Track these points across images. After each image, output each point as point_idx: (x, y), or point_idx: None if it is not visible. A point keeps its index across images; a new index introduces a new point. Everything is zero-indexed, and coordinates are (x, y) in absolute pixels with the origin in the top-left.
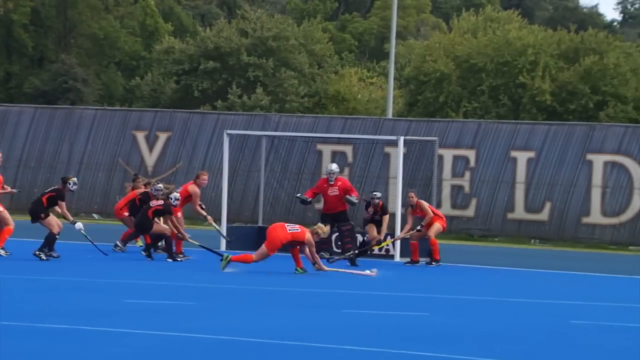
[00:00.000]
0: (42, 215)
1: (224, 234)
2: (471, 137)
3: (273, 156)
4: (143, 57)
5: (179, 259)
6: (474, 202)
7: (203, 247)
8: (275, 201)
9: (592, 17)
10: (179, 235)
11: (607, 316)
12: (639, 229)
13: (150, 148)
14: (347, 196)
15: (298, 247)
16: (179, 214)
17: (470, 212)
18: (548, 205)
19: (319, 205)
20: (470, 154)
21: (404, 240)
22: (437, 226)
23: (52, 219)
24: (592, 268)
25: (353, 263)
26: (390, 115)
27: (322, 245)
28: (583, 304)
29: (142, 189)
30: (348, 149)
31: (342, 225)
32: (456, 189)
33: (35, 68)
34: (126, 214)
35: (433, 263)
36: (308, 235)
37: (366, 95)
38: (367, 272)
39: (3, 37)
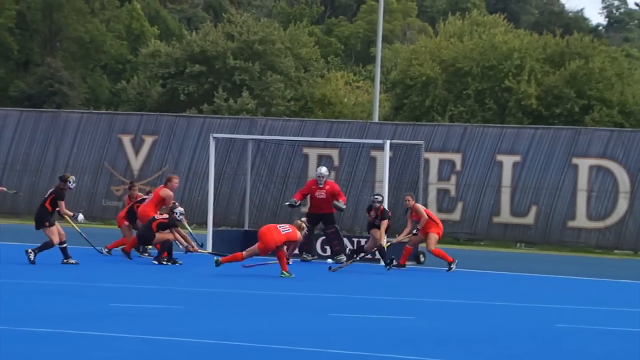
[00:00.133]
0: (47, 223)
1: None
2: (457, 141)
3: (259, 160)
4: (129, 61)
5: (164, 263)
6: (460, 206)
7: (212, 253)
8: (261, 205)
9: (578, 22)
10: (184, 246)
11: (592, 320)
12: (624, 233)
13: (136, 152)
14: (336, 202)
15: (284, 248)
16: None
17: (456, 216)
18: (534, 209)
19: (306, 209)
20: (456, 158)
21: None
22: (433, 237)
23: (55, 229)
24: (578, 272)
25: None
26: (376, 119)
27: (304, 246)
28: (568, 307)
29: (139, 197)
30: (334, 153)
31: (327, 229)
32: (442, 193)
33: (20, 71)
34: (126, 223)
35: (452, 266)
36: (298, 234)
37: (352, 99)
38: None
39: None
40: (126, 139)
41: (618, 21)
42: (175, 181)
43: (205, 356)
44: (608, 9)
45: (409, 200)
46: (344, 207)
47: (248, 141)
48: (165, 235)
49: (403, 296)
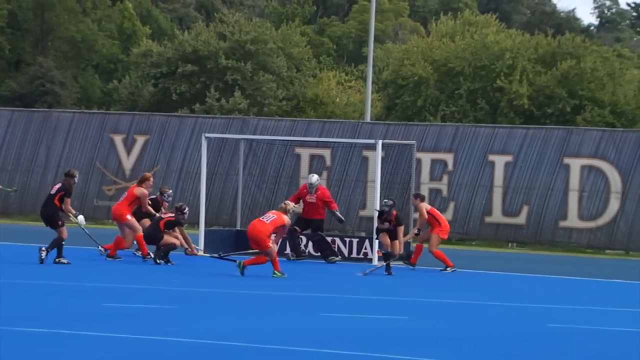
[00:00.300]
0: (60, 222)
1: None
2: (449, 141)
3: (251, 159)
4: (121, 60)
5: (159, 262)
6: (451, 205)
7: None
8: (253, 205)
9: (569, 22)
10: (187, 247)
11: (584, 319)
12: (615, 232)
13: (128, 151)
14: (336, 213)
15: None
16: (129, 216)
17: (448, 215)
18: (525, 209)
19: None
20: (448, 158)
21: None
22: (435, 237)
23: (65, 227)
24: (569, 272)
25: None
26: (368, 119)
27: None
28: (560, 307)
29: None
30: (326, 153)
31: (312, 237)
32: (434, 193)
33: (12, 71)
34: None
35: (447, 269)
36: (285, 217)
37: (344, 99)
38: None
39: None
40: (118, 139)
41: (609, 21)
42: (151, 180)
43: (199, 356)
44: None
45: (413, 200)
46: (344, 219)
47: (240, 141)
48: (172, 239)
49: (396, 296)
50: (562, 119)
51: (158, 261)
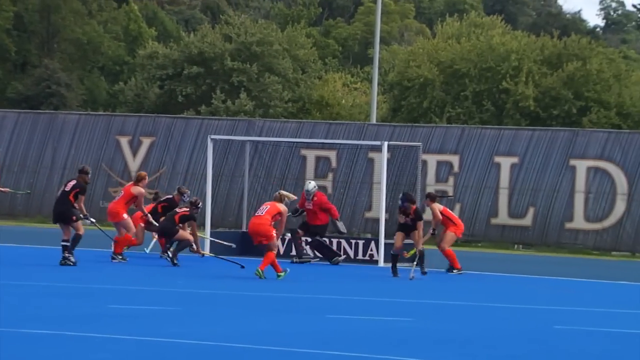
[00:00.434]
0: (74, 217)
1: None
2: (455, 143)
3: (257, 161)
4: (126, 62)
5: (177, 263)
6: (457, 207)
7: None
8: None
9: (575, 23)
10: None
11: (590, 321)
12: (621, 234)
13: (134, 153)
14: (337, 223)
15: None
16: (125, 215)
17: None
18: (531, 211)
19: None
20: (454, 160)
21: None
22: (450, 235)
23: (81, 222)
24: (575, 273)
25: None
26: (374, 121)
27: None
28: (566, 309)
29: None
30: (332, 154)
31: (310, 243)
32: (440, 194)
33: (18, 73)
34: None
35: (454, 271)
36: (279, 205)
37: (350, 101)
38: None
39: None
40: (124, 141)
41: (615, 23)
42: (147, 179)
43: (203, 358)
44: (606, 10)
45: (425, 202)
46: (344, 230)
47: (246, 143)
48: (187, 234)
49: (400, 297)
50: (568, 121)
51: (175, 262)
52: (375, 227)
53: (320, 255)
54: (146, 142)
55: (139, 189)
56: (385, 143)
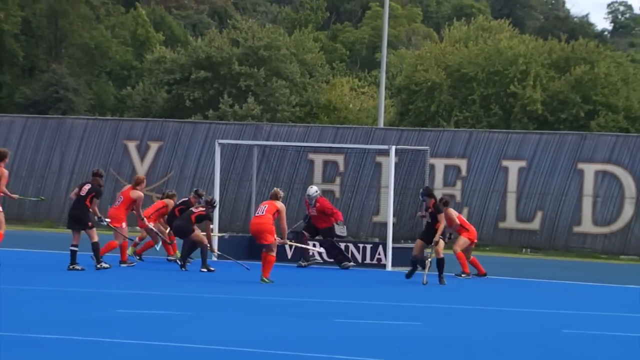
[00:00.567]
0: (90, 223)
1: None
2: (462, 147)
3: (265, 166)
4: (134, 67)
5: (212, 269)
6: (465, 211)
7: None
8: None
9: (583, 27)
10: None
11: (598, 325)
12: (630, 238)
13: (142, 158)
14: (336, 225)
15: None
16: (124, 225)
17: None
18: (539, 215)
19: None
20: (462, 164)
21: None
22: (463, 240)
23: (95, 230)
24: (583, 277)
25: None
26: (381, 125)
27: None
28: (574, 313)
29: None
30: (339, 159)
31: (323, 243)
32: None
33: (26, 78)
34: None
35: (462, 275)
36: (277, 203)
37: (357, 105)
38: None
39: None
40: (132, 145)
41: (623, 26)
42: (144, 182)
43: None
44: (613, 14)
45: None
46: (344, 234)
47: (253, 147)
48: (202, 236)
49: (409, 302)
50: (575, 125)
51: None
52: (383, 231)
53: (329, 259)
54: (154, 146)
55: (137, 193)
56: (393, 147)
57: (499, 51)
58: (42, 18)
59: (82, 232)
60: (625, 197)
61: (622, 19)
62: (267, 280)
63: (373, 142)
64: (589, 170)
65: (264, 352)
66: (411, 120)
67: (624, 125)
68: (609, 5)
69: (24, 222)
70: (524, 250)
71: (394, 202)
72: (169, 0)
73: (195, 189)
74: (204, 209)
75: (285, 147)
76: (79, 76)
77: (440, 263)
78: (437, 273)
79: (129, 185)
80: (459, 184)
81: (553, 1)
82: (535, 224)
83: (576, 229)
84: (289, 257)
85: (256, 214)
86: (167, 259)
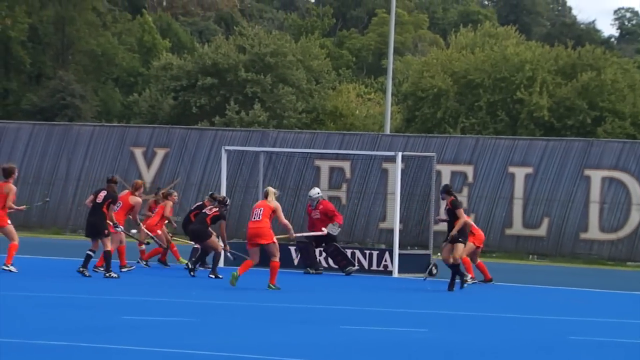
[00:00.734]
0: (106, 232)
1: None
2: (469, 153)
3: (271, 172)
4: (141, 74)
5: (220, 276)
6: (471, 217)
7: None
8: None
9: (590, 33)
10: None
11: (605, 332)
12: (637, 244)
13: (148, 164)
14: (331, 225)
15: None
16: (119, 228)
17: None
18: (546, 221)
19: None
20: (468, 170)
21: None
22: (469, 245)
23: (110, 238)
24: (590, 284)
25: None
26: (388, 131)
27: (307, 261)
28: (581, 319)
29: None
30: (346, 165)
31: (327, 249)
32: None
33: (33, 84)
34: (159, 232)
35: (468, 279)
36: (271, 203)
37: (364, 111)
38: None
39: (1, 53)
40: (138, 152)
41: (630, 33)
42: (143, 188)
43: None
44: (620, 20)
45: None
46: (335, 233)
47: (260, 153)
48: (217, 244)
49: (415, 308)
50: (582, 131)
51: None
52: (390, 237)
53: (334, 265)
54: (160, 153)
55: (136, 199)
56: (400, 153)
57: (506, 58)
58: (49, 25)
59: (112, 224)
60: (632, 204)
61: (629, 25)
62: (274, 287)
63: (379, 148)
64: (596, 176)
65: (270, 358)
66: (417, 126)
67: (631, 131)
68: (615, 11)
69: (30, 228)
70: (530, 256)
71: (400, 208)
72: (176, 7)
73: (210, 192)
74: (217, 209)
75: (291, 153)
76: (86, 83)
77: (454, 268)
78: (447, 280)
79: (127, 191)
80: (465, 190)
81: (560, 7)
82: (542, 231)
83: (583, 236)
84: (295, 263)
85: (252, 219)
86: (158, 260)
